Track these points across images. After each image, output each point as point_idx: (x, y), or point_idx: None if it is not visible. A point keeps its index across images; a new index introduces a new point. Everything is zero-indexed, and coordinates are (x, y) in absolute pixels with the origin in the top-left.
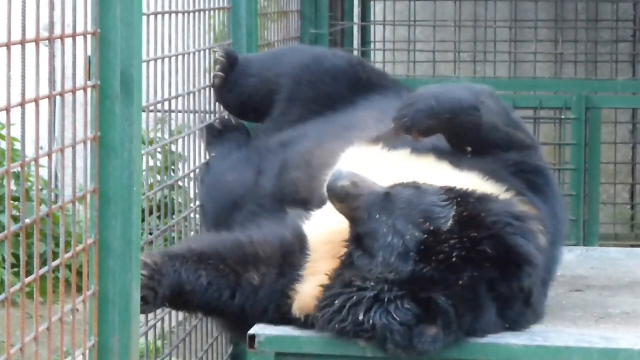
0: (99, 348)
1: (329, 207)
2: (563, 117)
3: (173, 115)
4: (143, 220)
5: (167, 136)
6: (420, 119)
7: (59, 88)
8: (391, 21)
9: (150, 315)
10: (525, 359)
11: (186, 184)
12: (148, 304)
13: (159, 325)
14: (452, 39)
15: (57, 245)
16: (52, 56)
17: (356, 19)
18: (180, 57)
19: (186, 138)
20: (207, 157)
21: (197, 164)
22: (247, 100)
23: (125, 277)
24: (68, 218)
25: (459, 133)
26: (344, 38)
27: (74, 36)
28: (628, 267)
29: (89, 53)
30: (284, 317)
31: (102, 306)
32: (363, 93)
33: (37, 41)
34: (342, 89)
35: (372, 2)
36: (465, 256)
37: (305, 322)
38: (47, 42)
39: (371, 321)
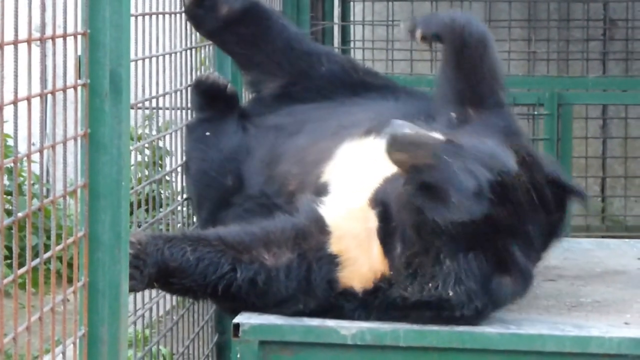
0: (89, 337)
1: (340, 190)
2: (536, 113)
3: (160, 112)
4: (131, 214)
5: (154, 132)
6: (432, 22)
7: (50, 87)
8: (370, 21)
9: (139, 305)
10: (500, 346)
11: (173, 178)
12: (135, 282)
13: (147, 314)
14: None
15: (49, 237)
16: (43, 56)
17: (336, 18)
18: (167, 57)
19: (173, 134)
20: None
21: (183, 158)
22: (229, 43)
23: (114, 269)
24: (59, 212)
25: (464, 52)
26: (325, 37)
27: (64, 36)
28: (599, 258)
29: (79, 53)
30: (336, 297)
31: (92, 297)
32: (358, 95)
33: (29, 41)
34: (338, 92)
35: (352, 3)
36: (533, 200)
37: (365, 295)
38: (38, 42)
39: (450, 292)
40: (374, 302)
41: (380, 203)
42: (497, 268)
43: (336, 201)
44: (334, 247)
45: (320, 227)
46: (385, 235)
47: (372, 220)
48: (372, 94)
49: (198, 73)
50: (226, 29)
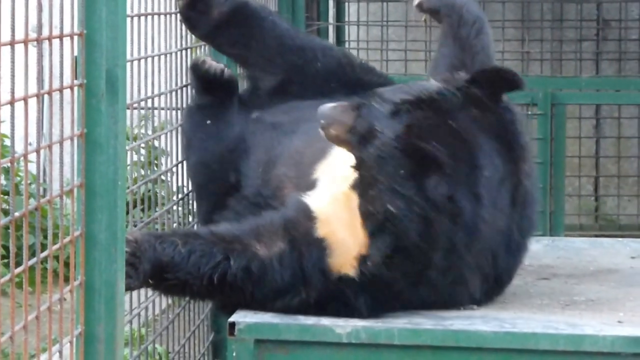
0: (86, 335)
1: (325, 182)
2: (529, 112)
3: (156, 112)
4: (127, 213)
5: (150, 132)
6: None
7: (46, 87)
8: (364, 21)
9: (135, 303)
10: (494, 345)
11: (169, 178)
12: (131, 280)
13: (142, 313)
14: (422, 39)
15: (45, 237)
16: (40, 56)
17: (331, 19)
18: (162, 57)
19: (168, 134)
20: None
21: (179, 158)
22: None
23: (111, 268)
24: (56, 211)
25: (462, 28)
26: (320, 37)
27: (61, 37)
28: (592, 257)
29: (76, 53)
30: (334, 283)
31: (89, 295)
32: (356, 93)
33: (25, 42)
34: (334, 89)
35: (347, 3)
36: (457, 102)
37: (362, 278)
38: (35, 42)
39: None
40: (372, 282)
41: (356, 185)
42: (418, 171)
43: (321, 191)
44: (320, 231)
45: (306, 215)
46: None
47: (354, 200)
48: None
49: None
50: (218, 31)
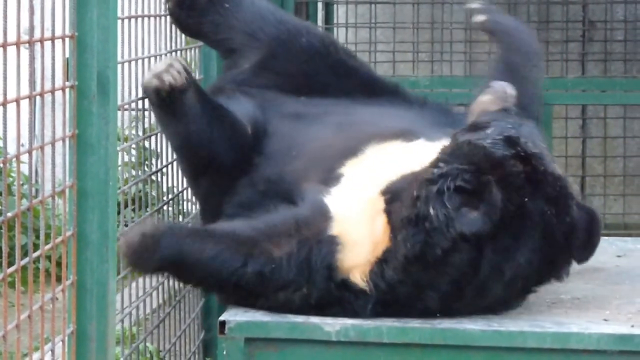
0: (77, 334)
1: (350, 182)
2: None
3: (147, 113)
4: (118, 213)
5: (141, 133)
6: (500, 18)
7: (38, 88)
8: (353, 23)
9: (126, 302)
10: (482, 343)
11: (159, 179)
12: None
13: (134, 312)
14: (410, 40)
15: (38, 237)
16: (32, 58)
17: (320, 21)
18: (152, 59)
19: (159, 135)
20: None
21: (170, 159)
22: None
23: (102, 267)
24: (48, 212)
25: (519, 57)
26: None
27: (52, 39)
28: None
29: (67, 55)
30: (340, 288)
31: (80, 295)
32: (336, 74)
33: (17, 44)
34: (318, 70)
35: (335, 5)
36: (533, 179)
37: (373, 289)
38: (27, 44)
39: (431, 211)
40: (374, 291)
41: (392, 191)
42: (469, 201)
43: (344, 191)
44: (335, 230)
45: (322, 214)
46: (393, 212)
47: (379, 205)
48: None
49: None
50: (203, 23)
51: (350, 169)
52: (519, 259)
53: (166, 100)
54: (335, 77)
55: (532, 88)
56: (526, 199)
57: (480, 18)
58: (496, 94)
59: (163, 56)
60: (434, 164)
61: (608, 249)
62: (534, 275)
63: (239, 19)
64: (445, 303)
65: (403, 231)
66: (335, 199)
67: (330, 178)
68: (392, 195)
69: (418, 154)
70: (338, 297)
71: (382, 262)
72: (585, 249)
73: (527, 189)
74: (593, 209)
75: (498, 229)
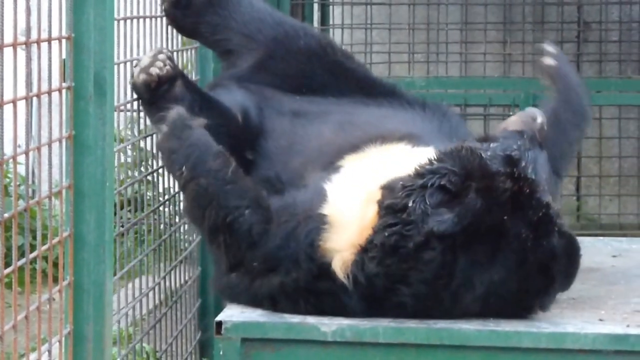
0: (74, 335)
1: (351, 173)
2: (511, 113)
3: (142, 114)
4: (115, 214)
5: (137, 134)
6: (567, 70)
7: (35, 89)
8: (349, 24)
9: (122, 303)
10: (478, 343)
11: (156, 179)
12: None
13: (130, 312)
14: (406, 41)
15: (34, 238)
16: (28, 59)
17: (316, 22)
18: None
19: (155, 136)
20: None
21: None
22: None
23: (99, 268)
24: (44, 212)
25: (570, 112)
26: None
27: (49, 40)
28: None
29: (64, 56)
30: (323, 274)
31: (77, 295)
32: (334, 75)
33: (14, 45)
34: (316, 71)
35: (331, 7)
36: (517, 200)
37: (351, 282)
38: (24, 46)
39: (410, 203)
40: (353, 284)
41: (391, 186)
42: (447, 203)
43: (344, 179)
44: (326, 210)
45: (319, 195)
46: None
47: (376, 196)
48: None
49: None
50: (200, 23)
51: (351, 163)
52: (493, 275)
53: (155, 93)
54: (333, 78)
55: (568, 146)
56: (505, 217)
57: (549, 62)
58: (523, 117)
59: (147, 51)
60: (429, 161)
61: (603, 249)
62: (512, 298)
63: (237, 20)
64: (420, 304)
65: (383, 219)
66: (334, 185)
67: (331, 168)
68: (388, 190)
69: (422, 158)
70: (324, 287)
71: (363, 251)
72: (566, 277)
73: (509, 207)
74: (573, 237)
75: (473, 239)
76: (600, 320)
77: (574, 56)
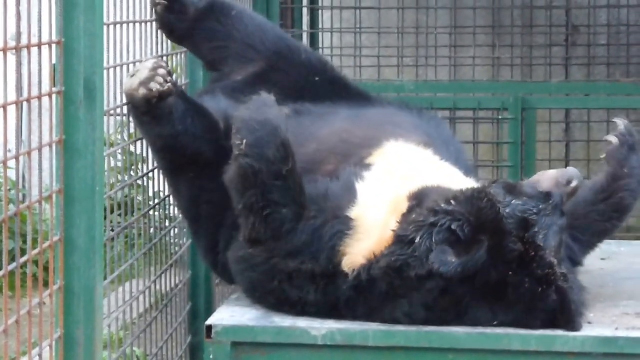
0: (65, 339)
1: (382, 175)
2: (500, 117)
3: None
4: (105, 218)
5: (127, 138)
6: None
7: (25, 94)
8: (338, 28)
9: (113, 307)
10: (467, 345)
11: (145, 183)
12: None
13: (121, 316)
14: (395, 45)
15: (25, 242)
16: (19, 64)
17: (305, 26)
18: (139, 64)
19: (145, 140)
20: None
21: (156, 164)
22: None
23: (89, 272)
24: (35, 217)
25: (607, 206)
26: None
27: (39, 45)
28: None
29: (54, 61)
30: (334, 270)
31: (68, 300)
32: (333, 91)
33: (4, 50)
34: (317, 84)
35: (320, 11)
36: (526, 264)
37: (355, 277)
38: (14, 51)
39: (419, 240)
40: (353, 278)
41: (417, 199)
42: (453, 244)
43: (376, 180)
44: (354, 213)
45: (350, 194)
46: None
47: (402, 206)
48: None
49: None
50: (196, 29)
51: (380, 162)
52: (492, 317)
53: (154, 106)
54: (334, 92)
55: (597, 235)
56: (510, 273)
57: (615, 140)
58: (560, 177)
59: (144, 60)
60: (450, 198)
61: (592, 252)
62: None
63: (240, 30)
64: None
65: (393, 246)
66: (365, 186)
67: (362, 164)
68: (415, 204)
69: (448, 173)
70: (334, 283)
71: (375, 260)
72: (566, 327)
73: (514, 266)
74: (567, 295)
75: (477, 287)
76: (589, 322)
77: (562, 60)
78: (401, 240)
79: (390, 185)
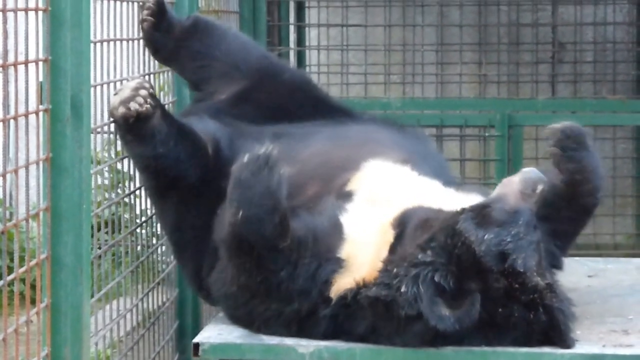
0: (52, 357)
1: (365, 202)
2: (487, 134)
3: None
4: (92, 236)
5: (114, 156)
6: (572, 167)
7: (12, 112)
8: (325, 46)
9: (100, 325)
10: None
11: (132, 201)
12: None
13: (108, 334)
14: (382, 62)
15: (12, 260)
16: (5, 82)
17: (292, 44)
18: (125, 82)
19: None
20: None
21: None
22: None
23: (76, 290)
24: (22, 234)
25: (573, 204)
26: None
27: (26, 63)
28: None
29: (41, 79)
30: (323, 301)
31: (55, 317)
32: (317, 111)
33: None
34: (299, 103)
35: (307, 28)
36: (512, 296)
37: (337, 303)
38: (0, 68)
39: (410, 288)
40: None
41: (401, 225)
42: (448, 298)
43: (360, 212)
44: (344, 252)
45: (337, 232)
46: (393, 248)
47: (388, 236)
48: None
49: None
50: (181, 48)
51: (359, 185)
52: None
53: (133, 126)
54: (317, 111)
55: (569, 236)
56: (500, 309)
57: (552, 151)
58: (523, 186)
59: (130, 78)
60: (424, 244)
61: (579, 269)
62: None
63: (222, 50)
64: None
65: (375, 287)
66: (350, 219)
67: (341, 195)
68: (400, 231)
69: (427, 191)
70: (319, 312)
71: (364, 285)
72: (560, 345)
73: (503, 300)
74: (555, 315)
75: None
76: (576, 340)
77: (548, 77)
78: (385, 285)
79: (373, 214)
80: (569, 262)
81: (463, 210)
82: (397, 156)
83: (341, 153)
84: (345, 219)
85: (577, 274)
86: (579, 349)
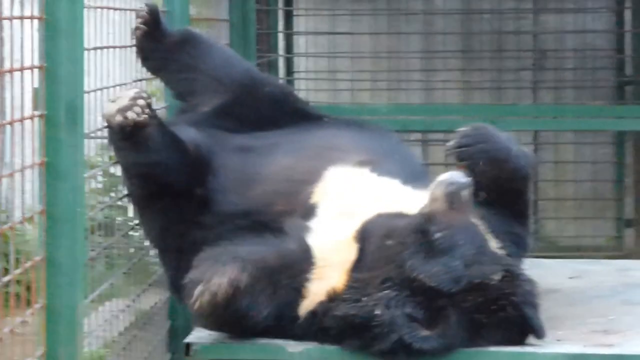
0: (48, 357)
1: (328, 217)
2: None
3: None
4: (86, 238)
5: (107, 160)
6: (478, 158)
7: (8, 117)
8: (313, 53)
9: (94, 325)
10: None
11: (125, 204)
12: None
13: (101, 334)
14: (369, 69)
15: (8, 262)
16: (1, 88)
17: (281, 51)
18: (118, 88)
19: (120, 165)
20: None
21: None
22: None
23: (71, 291)
24: (18, 237)
25: (504, 188)
26: (270, 69)
27: (22, 70)
28: (533, 276)
29: (36, 85)
30: (292, 317)
31: (50, 318)
32: (295, 122)
33: None
34: (280, 114)
35: (296, 36)
36: (479, 307)
37: (307, 318)
38: None
39: (381, 312)
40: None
41: (364, 239)
42: (426, 320)
43: (324, 230)
44: (315, 275)
45: (306, 256)
46: (357, 265)
47: (352, 250)
48: (324, 122)
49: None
50: (170, 59)
51: (322, 199)
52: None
53: (129, 134)
54: (292, 120)
55: (523, 216)
56: (475, 316)
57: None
58: (450, 199)
59: (126, 85)
60: (384, 282)
61: (562, 270)
62: None
63: (207, 63)
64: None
65: (346, 305)
66: (316, 239)
67: (306, 211)
68: (362, 244)
69: (386, 194)
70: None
71: (329, 301)
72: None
73: (472, 313)
74: (523, 311)
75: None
76: (558, 340)
77: (530, 83)
78: (353, 307)
79: (337, 229)
80: (551, 264)
81: (407, 243)
82: (356, 159)
83: (303, 165)
84: (312, 239)
85: (559, 276)
86: (560, 348)
